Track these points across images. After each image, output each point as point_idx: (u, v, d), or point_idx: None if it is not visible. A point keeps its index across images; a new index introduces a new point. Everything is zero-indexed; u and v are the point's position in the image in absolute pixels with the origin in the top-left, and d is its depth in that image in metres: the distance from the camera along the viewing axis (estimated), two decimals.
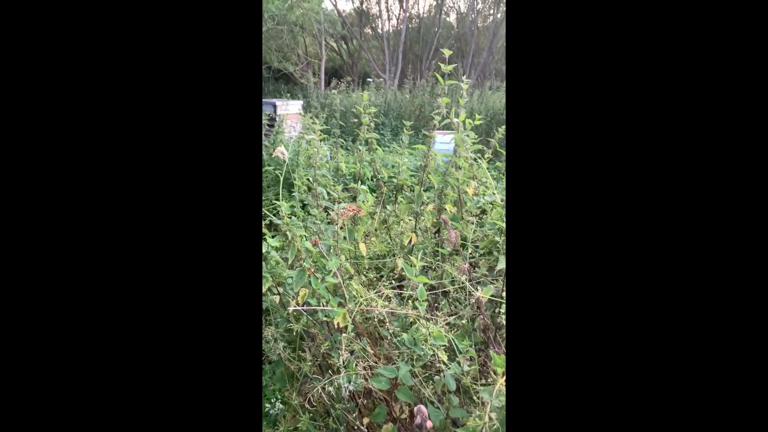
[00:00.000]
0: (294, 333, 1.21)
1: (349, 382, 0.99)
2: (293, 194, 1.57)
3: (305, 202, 1.50)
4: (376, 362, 1.09)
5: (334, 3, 15.90)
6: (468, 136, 1.56)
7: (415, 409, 0.80)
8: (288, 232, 1.11)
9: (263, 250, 1.21)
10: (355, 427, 1.08)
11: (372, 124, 1.74)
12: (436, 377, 1.02)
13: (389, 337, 1.14)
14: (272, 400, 1.22)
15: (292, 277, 1.20)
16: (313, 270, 1.12)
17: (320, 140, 1.55)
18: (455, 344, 1.00)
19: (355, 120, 5.98)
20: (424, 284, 1.12)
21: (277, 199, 1.19)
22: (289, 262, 1.14)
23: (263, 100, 4.80)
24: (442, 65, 1.47)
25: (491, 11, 12.51)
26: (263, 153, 3.04)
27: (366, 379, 1.01)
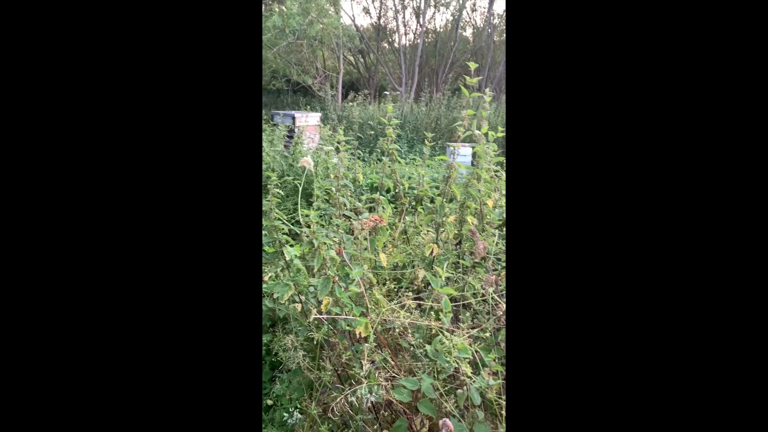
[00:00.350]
0: (314, 342, 1.21)
1: (371, 393, 0.98)
2: (312, 204, 1.59)
3: (325, 212, 1.51)
4: (396, 374, 1.08)
5: (353, 18, 16.23)
6: (489, 148, 1.56)
7: (441, 422, 0.79)
8: (314, 240, 1.12)
9: (287, 258, 1.21)
10: None
11: (393, 136, 1.76)
12: (459, 391, 1.00)
13: (411, 349, 1.13)
14: (290, 410, 1.21)
15: (314, 286, 1.21)
16: (336, 279, 1.12)
17: (344, 150, 1.57)
18: (480, 357, 0.99)
19: (371, 132, 6.03)
20: (448, 295, 1.11)
21: (296, 209, 1.21)
22: (315, 270, 1.14)
23: (283, 112, 4.92)
24: (467, 77, 1.48)
25: None
26: (283, 163, 3.09)
27: (387, 391, 1.00)
